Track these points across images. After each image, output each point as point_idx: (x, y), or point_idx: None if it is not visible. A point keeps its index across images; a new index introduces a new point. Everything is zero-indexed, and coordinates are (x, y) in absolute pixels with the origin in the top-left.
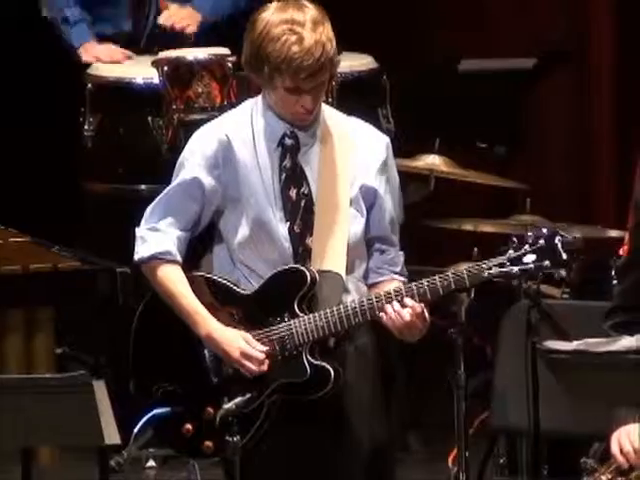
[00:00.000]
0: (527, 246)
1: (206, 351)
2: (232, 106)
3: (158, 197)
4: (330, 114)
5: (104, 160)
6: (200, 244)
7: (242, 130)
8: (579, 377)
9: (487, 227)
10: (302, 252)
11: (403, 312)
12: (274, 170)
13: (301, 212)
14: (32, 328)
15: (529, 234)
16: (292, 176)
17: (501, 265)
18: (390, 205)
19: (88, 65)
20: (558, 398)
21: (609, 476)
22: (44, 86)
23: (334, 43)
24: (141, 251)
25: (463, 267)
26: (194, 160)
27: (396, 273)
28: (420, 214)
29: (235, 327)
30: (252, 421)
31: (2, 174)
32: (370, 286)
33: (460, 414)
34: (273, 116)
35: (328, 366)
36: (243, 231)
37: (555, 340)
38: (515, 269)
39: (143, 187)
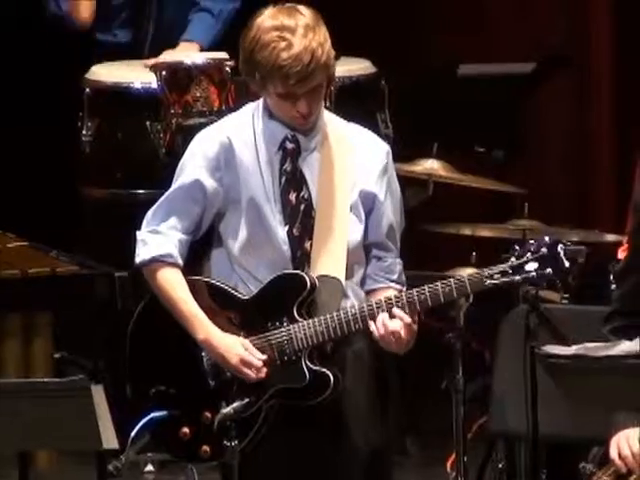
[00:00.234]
0: (529, 254)
1: (204, 355)
2: (230, 110)
3: (159, 200)
4: (331, 120)
5: (102, 165)
6: (199, 248)
7: (243, 133)
8: (578, 382)
9: (485, 231)
10: (300, 256)
11: (389, 322)
12: (274, 173)
13: (300, 216)
14: (30, 332)
15: (531, 242)
16: (292, 180)
17: (503, 273)
18: (389, 212)
19: (87, 69)
20: (557, 403)
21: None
22: (42, 91)
23: (327, 48)
24: (142, 254)
25: (464, 273)
26: (196, 162)
27: (392, 281)
28: (418, 218)
29: (234, 332)
30: (250, 426)
31: (1, 179)
32: (366, 293)
33: (458, 419)
34: (274, 120)
35: (327, 372)
36: (242, 234)
37: (554, 345)
38: (517, 277)
39: (141, 192)
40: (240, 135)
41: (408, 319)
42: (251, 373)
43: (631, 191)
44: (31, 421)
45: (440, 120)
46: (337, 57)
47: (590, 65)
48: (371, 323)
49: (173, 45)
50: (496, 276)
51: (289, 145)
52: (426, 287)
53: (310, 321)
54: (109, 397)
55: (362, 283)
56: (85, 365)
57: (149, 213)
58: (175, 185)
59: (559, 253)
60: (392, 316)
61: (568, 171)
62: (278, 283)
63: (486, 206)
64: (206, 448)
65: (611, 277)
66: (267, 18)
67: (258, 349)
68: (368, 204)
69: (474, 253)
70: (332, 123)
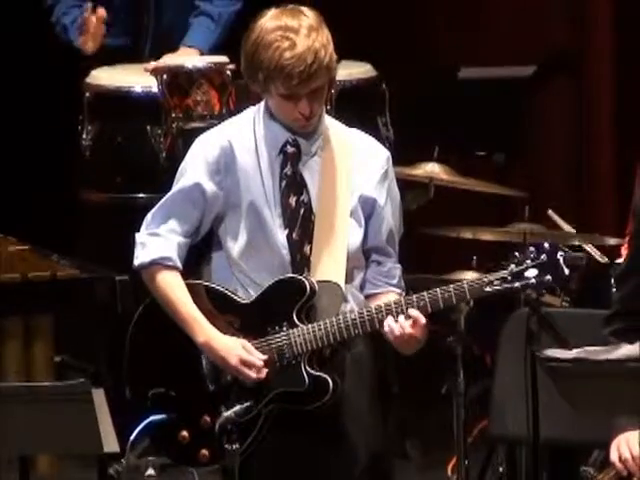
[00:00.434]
0: (529, 261)
1: (203, 358)
2: (231, 114)
3: (159, 202)
4: (332, 124)
5: (102, 169)
6: (198, 251)
7: (244, 136)
8: (579, 385)
9: (486, 235)
10: (300, 260)
11: (406, 325)
12: (275, 177)
13: (300, 220)
14: (31, 336)
15: (531, 249)
16: (292, 184)
17: (503, 280)
18: (389, 217)
19: (87, 73)
20: (558, 406)
21: None
22: (42, 95)
23: (330, 50)
24: (141, 256)
25: (465, 277)
26: (196, 166)
27: (392, 285)
28: (419, 222)
29: (233, 336)
30: (249, 429)
31: (1, 183)
32: (365, 297)
33: (459, 422)
34: (275, 123)
35: (327, 377)
36: (242, 237)
37: (555, 348)
38: (517, 284)
39: (141, 196)
40: (241, 139)
41: (423, 320)
42: (251, 373)
43: (632, 195)
44: (32, 425)
45: (441, 123)
46: (338, 60)
47: (591, 69)
48: (386, 324)
49: (173, 49)
50: (496, 282)
51: (290, 149)
52: (425, 293)
53: (309, 326)
54: (110, 400)
55: (361, 287)
56: (86, 368)
57: (148, 216)
58: (175, 188)
59: (558, 260)
60: (408, 317)
61: (569, 175)
62: (278, 287)
63: (487, 210)
64: (205, 452)
65: (612, 281)
66: (270, 19)
67: None
68: (368, 209)
69: (475, 257)
70: (333, 127)
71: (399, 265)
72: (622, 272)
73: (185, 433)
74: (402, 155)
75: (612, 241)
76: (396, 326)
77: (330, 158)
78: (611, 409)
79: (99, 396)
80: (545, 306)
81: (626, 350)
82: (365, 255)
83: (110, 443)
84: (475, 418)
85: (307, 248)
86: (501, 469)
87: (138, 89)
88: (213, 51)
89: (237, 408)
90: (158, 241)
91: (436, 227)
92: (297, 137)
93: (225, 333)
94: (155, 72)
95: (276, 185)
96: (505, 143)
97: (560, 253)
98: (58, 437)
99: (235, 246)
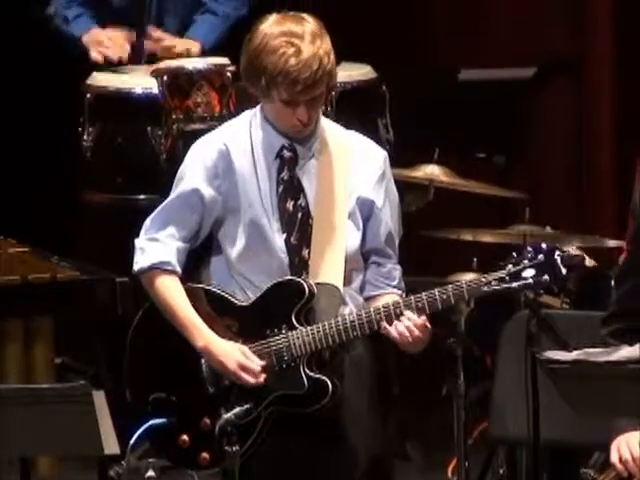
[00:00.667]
0: (526, 261)
1: (203, 362)
2: (231, 116)
3: (158, 208)
4: (329, 127)
5: (103, 170)
6: (197, 255)
7: (241, 141)
8: (579, 387)
9: (486, 237)
10: (299, 263)
11: (412, 327)
12: (272, 181)
13: (298, 224)
14: (31, 338)
15: (528, 249)
16: (289, 188)
17: (500, 280)
18: (388, 218)
19: (88, 74)
20: (558, 408)
21: None
22: (43, 96)
23: (332, 57)
24: (140, 261)
25: (465, 279)
26: (194, 171)
27: (392, 287)
28: (419, 224)
29: (232, 339)
30: (249, 432)
31: (1, 184)
32: (366, 299)
33: (460, 424)
34: (271, 128)
35: (326, 379)
36: (240, 241)
37: (555, 350)
38: (514, 284)
39: (142, 197)
40: (237, 143)
41: (423, 319)
42: (250, 378)
43: (631, 195)
44: (32, 427)
45: (441, 125)
46: (338, 62)
47: (591, 70)
48: (391, 329)
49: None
50: (493, 283)
51: (287, 154)
52: (424, 294)
53: (308, 328)
54: (110, 402)
55: (361, 289)
56: (86, 370)
57: (147, 221)
58: (174, 194)
59: (556, 260)
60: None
61: (569, 176)
62: (276, 290)
63: (487, 211)
64: (205, 455)
65: (612, 282)
66: (273, 24)
67: (257, 356)
68: (365, 211)
69: (475, 258)
70: (330, 130)
71: (399, 266)
72: (621, 272)
73: (185, 437)
74: (402, 157)
75: (612, 243)
76: (404, 330)
77: (327, 160)
78: (611, 411)
79: (99, 398)
80: (545, 307)
81: (626, 352)
82: (364, 257)
83: (110, 445)
84: (475, 420)
85: (305, 252)
86: (501, 471)
87: (139, 90)
88: (214, 51)
89: (237, 410)
90: (157, 246)
91: (436, 229)
92: (293, 142)
93: (224, 336)
94: (155, 73)
95: (273, 189)
96: (505, 145)
97: (557, 253)
98: (59, 439)
99: (234, 250)
